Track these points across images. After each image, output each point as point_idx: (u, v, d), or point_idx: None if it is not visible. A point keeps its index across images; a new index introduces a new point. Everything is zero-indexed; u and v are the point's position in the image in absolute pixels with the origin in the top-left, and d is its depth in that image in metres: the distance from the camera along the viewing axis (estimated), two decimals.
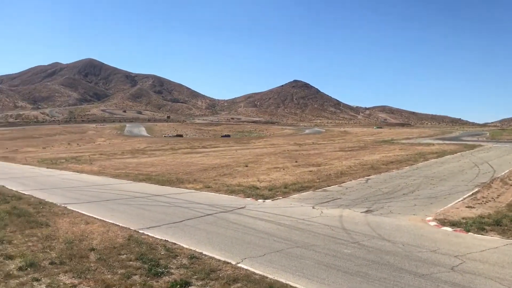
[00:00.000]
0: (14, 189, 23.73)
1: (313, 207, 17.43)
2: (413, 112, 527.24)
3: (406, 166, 33.59)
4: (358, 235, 12.91)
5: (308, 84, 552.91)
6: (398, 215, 15.89)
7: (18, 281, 9.08)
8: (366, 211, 16.55)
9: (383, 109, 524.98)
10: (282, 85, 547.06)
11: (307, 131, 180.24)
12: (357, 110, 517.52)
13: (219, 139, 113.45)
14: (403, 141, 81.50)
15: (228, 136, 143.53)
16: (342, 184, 23.90)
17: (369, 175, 27.44)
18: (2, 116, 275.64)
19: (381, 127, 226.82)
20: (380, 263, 10.21)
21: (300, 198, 19.84)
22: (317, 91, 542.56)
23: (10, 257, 10.67)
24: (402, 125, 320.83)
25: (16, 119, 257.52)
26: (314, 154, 47.91)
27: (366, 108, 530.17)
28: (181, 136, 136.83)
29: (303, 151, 53.85)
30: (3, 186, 24.97)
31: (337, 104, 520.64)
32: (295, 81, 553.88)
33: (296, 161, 37.93)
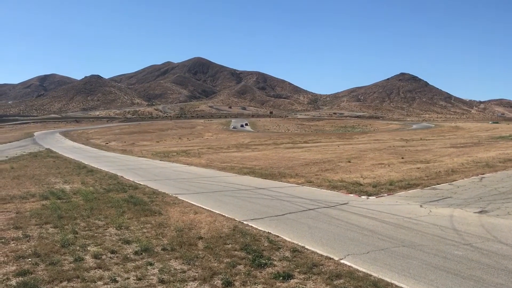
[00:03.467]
0: (131, 179, 25.82)
1: (421, 206, 16.60)
2: None
3: None
4: (471, 236, 12.05)
5: (416, 76, 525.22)
6: None
7: (134, 264, 9.88)
8: (480, 212, 15.38)
9: (500, 102, 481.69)
10: (387, 78, 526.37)
11: (414, 126, 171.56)
12: (470, 104, 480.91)
13: (320, 134, 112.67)
14: None
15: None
16: (453, 183, 22.44)
17: (483, 173, 25.43)
18: (121, 112, 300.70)
19: (497, 122, 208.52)
20: (496, 268, 9.44)
21: (406, 196, 19.02)
22: (426, 84, 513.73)
23: (128, 242, 11.63)
24: None
25: (133, 115, 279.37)
26: (422, 150, 45.53)
27: (480, 102, 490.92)
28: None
29: (410, 147, 51.47)
30: (121, 176, 27.28)
31: (448, 97, 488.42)
32: (401, 73, 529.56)
33: (402, 158, 36.39)
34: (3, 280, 8.80)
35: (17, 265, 9.68)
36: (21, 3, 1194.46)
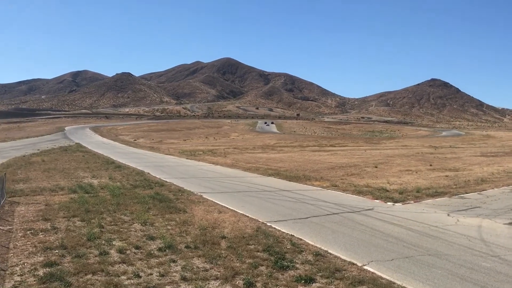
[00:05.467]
0: (157, 176, 26.14)
1: (448, 215, 16.26)
2: None
3: None
4: (500, 248, 11.73)
5: (447, 83, 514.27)
6: None
7: (157, 260, 10.00)
8: (510, 223, 14.93)
9: None
10: (418, 84, 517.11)
11: (444, 133, 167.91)
12: (502, 112, 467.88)
13: (347, 138, 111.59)
14: None
15: None
16: (483, 192, 21.89)
17: None
18: (150, 110, 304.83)
19: None
20: None
21: (433, 204, 18.65)
22: (457, 90, 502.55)
23: (152, 238, 11.79)
24: None
25: (161, 113, 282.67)
26: (451, 158, 44.58)
27: None
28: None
29: (438, 154, 50.46)
30: (148, 173, 27.64)
31: (480, 105, 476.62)
32: (432, 79, 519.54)
33: (430, 165, 35.72)
34: (31, 270, 9.04)
35: (45, 256, 9.93)
36: (56, 2, 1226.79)
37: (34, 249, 10.52)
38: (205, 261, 10.00)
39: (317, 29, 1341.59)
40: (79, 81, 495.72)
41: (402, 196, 20.21)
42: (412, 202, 19.01)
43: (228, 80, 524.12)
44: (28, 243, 11.03)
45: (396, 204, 18.47)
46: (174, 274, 9.14)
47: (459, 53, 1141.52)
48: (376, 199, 19.61)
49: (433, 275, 9.49)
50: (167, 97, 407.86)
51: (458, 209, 17.44)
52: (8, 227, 12.67)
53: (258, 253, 10.69)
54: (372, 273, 9.54)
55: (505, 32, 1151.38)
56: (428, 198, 19.99)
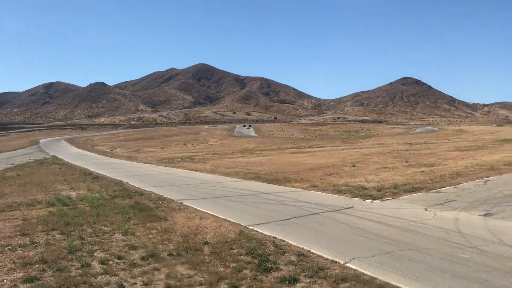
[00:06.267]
0: (136, 185, 25.91)
1: (426, 209, 16.60)
2: None
3: None
4: (476, 239, 12.06)
5: (419, 80, 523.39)
6: None
7: (141, 269, 9.96)
8: (485, 215, 15.36)
9: (504, 105, 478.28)
10: (391, 83, 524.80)
11: (418, 129, 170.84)
12: (474, 107, 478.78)
13: (325, 138, 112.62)
14: None
15: None
16: (458, 186, 22.39)
17: (488, 176, 25.36)
18: (125, 119, 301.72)
19: (502, 125, 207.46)
20: (502, 270, 9.46)
21: (411, 199, 19.01)
22: (429, 87, 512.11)
23: (134, 247, 11.72)
24: None
25: (137, 122, 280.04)
26: (426, 154, 45.41)
27: (484, 105, 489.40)
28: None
29: (414, 150, 51.33)
30: (127, 182, 27.37)
31: (452, 101, 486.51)
32: (405, 78, 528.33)
33: (406, 161, 36.33)
34: (11, 286, 8.89)
35: (25, 272, 9.77)
36: (24, 11, 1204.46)
37: (13, 265, 10.33)
38: (189, 268, 10.00)
39: (290, 32, 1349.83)
40: (52, 92, 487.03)
41: (380, 193, 20.52)
42: (390, 198, 19.33)
43: (204, 86, 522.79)
44: (6, 259, 10.83)
45: (374, 201, 18.75)
46: (158, 282, 9.12)
47: (430, 51, 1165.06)
48: (355, 197, 19.87)
49: (414, 268, 9.71)
50: (142, 105, 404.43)
51: (435, 203, 17.82)
52: None
53: (242, 257, 10.74)
54: (355, 270, 9.70)
55: (474, 28, 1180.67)
56: (406, 194, 20.36)
